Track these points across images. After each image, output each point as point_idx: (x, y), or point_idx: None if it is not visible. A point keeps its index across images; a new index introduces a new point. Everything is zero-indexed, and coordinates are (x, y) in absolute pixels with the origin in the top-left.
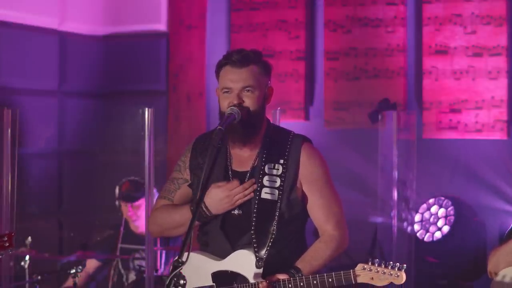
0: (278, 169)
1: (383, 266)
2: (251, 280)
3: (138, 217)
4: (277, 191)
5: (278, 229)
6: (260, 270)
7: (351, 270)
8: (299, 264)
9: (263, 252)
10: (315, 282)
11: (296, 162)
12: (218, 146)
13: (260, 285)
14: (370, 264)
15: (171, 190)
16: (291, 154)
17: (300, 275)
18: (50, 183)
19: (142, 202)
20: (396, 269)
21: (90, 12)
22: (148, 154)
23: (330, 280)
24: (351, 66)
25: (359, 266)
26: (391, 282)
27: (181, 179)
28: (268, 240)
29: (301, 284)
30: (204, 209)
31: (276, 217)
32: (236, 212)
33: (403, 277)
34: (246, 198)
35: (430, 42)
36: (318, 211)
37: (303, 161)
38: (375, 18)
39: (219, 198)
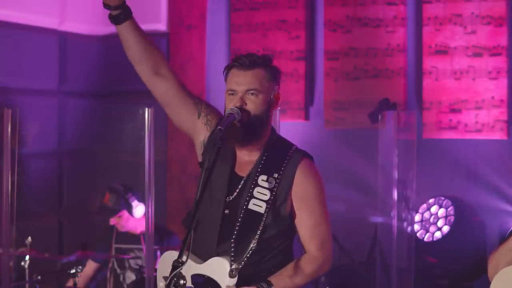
0: (271, 183)
1: None
2: None
3: (123, 226)
4: (265, 204)
5: (259, 242)
6: (234, 280)
7: None
8: (273, 278)
9: (239, 263)
10: None
11: (290, 179)
12: (218, 146)
13: None
14: None
15: None
16: (287, 169)
17: None
18: (50, 183)
19: (123, 212)
20: None
21: (90, 12)
22: (148, 154)
23: None
24: (351, 66)
25: None
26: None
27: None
28: (247, 252)
29: None
30: None
31: (259, 230)
32: (227, 211)
33: None
34: None
35: (430, 42)
36: (305, 229)
37: (298, 177)
38: (375, 18)
39: None
